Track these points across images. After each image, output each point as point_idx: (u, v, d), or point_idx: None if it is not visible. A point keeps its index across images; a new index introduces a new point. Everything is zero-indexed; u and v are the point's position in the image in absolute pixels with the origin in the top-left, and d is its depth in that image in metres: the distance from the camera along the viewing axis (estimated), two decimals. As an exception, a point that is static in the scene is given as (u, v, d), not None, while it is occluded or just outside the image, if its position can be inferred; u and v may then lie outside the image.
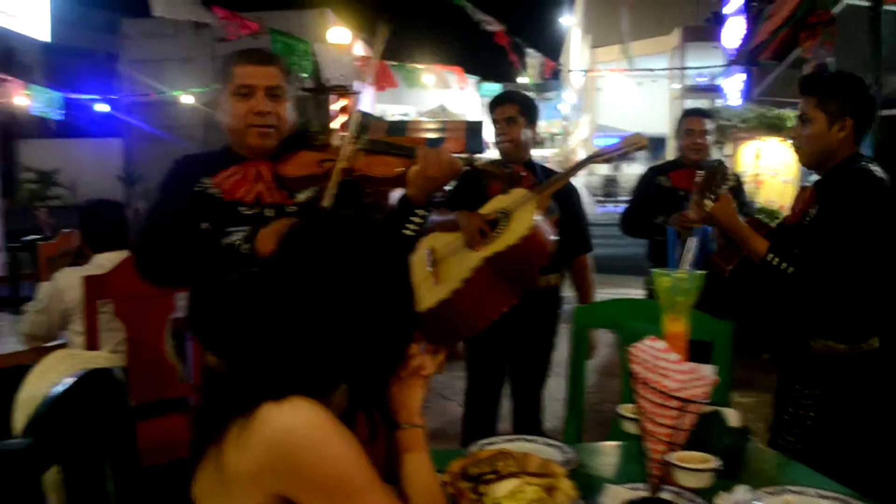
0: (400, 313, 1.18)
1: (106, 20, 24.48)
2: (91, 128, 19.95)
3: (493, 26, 5.54)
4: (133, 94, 16.17)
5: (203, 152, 2.08)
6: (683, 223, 3.03)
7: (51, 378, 1.51)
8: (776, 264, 2.01)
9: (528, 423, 2.85)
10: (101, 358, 1.76)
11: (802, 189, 2.22)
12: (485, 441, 1.71)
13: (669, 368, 1.23)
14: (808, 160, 2.19)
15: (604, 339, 2.52)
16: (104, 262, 2.90)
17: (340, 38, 9.11)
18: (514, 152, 2.92)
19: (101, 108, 13.47)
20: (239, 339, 1.19)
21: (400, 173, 1.83)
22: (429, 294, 2.51)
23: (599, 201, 22.84)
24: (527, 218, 2.56)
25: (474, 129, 9.44)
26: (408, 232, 1.79)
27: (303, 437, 1.04)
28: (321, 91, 6.35)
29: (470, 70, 8.15)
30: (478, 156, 1.90)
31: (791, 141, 2.35)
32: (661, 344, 1.24)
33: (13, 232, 7.24)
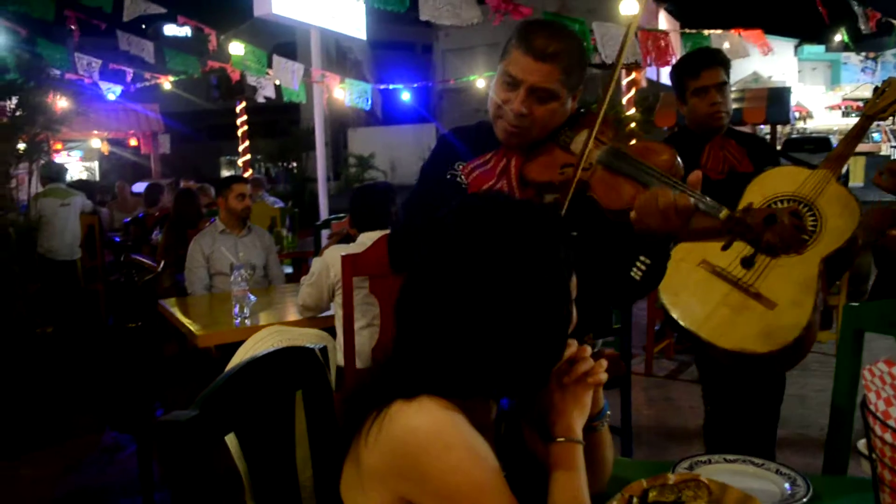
0: (552, 317, 1.03)
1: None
2: (409, 115, 21.76)
3: None
4: (437, 82, 17.24)
5: (473, 126, 1.83)
6: None
7: (259, 350, 1.61)
8: None
9: (758, 439, 2.44)
10: (312, 335, 1.84)
11: None
12: (701, 458, 1.48)
13: (915, 403, 0.93)
14: None
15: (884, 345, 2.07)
16: (366, 240, 3.09)
17: (629, 9, 8.73)
18: (726, 124, 2.49)
19: (412, 96, 14.61)
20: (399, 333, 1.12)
21: (627, 208, 1.47)
22: (759, 321, 2.03)
23: None
24: (848, 201, 2.13)
25: (779, 95, 8.39)
26: (634, 275, 1.51)
27: (425, 439, 0.96)
28: (604, 67, 6.12)
29: (773, 30, 7.27)
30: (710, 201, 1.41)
31: None
32: (900, 370, 0.93)
33: (335, 210, 8.15)
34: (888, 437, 0.96)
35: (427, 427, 0.96)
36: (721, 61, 2.50)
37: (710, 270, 2.12)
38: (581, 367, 1.10)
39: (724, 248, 1.42)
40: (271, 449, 1.34)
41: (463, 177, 1.69)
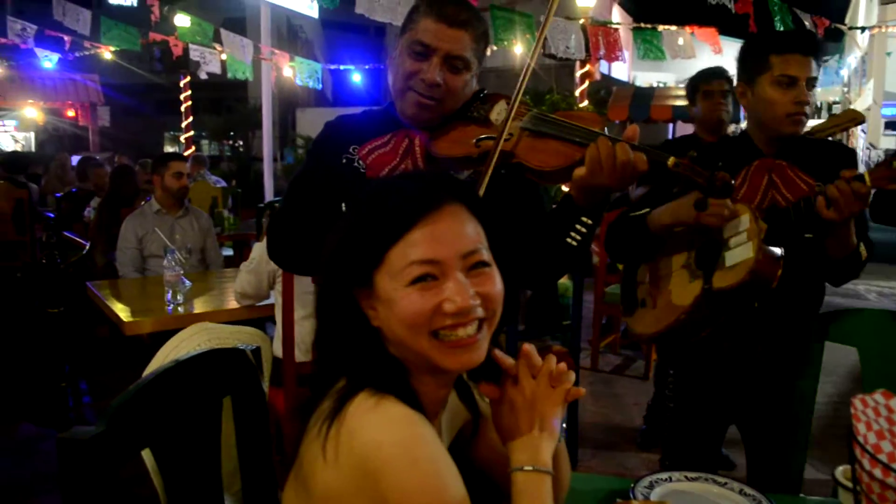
0: None
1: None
2: (360, 98, 21.34)
3: None
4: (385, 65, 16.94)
5: (364, 112, 1.74)
6: None
7: (183, 351, 1.46)
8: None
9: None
10: (244, 333, 1.69)
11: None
12: (661, 475, 1.39)
13: (910, 438, 0.84)
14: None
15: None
16: (310, 227, 2.94)
17: (585, 1, 8.65)
18: (725, 127, 3.01)
19: (364, 78, 14.33)
20: None
21: (565, 167, 1.42)
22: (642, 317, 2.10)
23: None
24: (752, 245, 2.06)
25: (734, 95, 8.48)
26: (570, 241, 1.44)
27: (389, 455, 0.84)
28: (555, 59, 6.08)
29: (724, 30, 7.30)
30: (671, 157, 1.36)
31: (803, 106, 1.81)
32: (897, 402, 0.85)
33: (281, 192, 7.90)
34: (877, 472, 0.87)
35: (391, 439, 0.85)
36: (725, 74, 3.15)
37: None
38: (557, 367, 0.99)
39: (678, 193, 1.41)
40: (193, 462, 1.19)
41: (360, 160, 1.59)
